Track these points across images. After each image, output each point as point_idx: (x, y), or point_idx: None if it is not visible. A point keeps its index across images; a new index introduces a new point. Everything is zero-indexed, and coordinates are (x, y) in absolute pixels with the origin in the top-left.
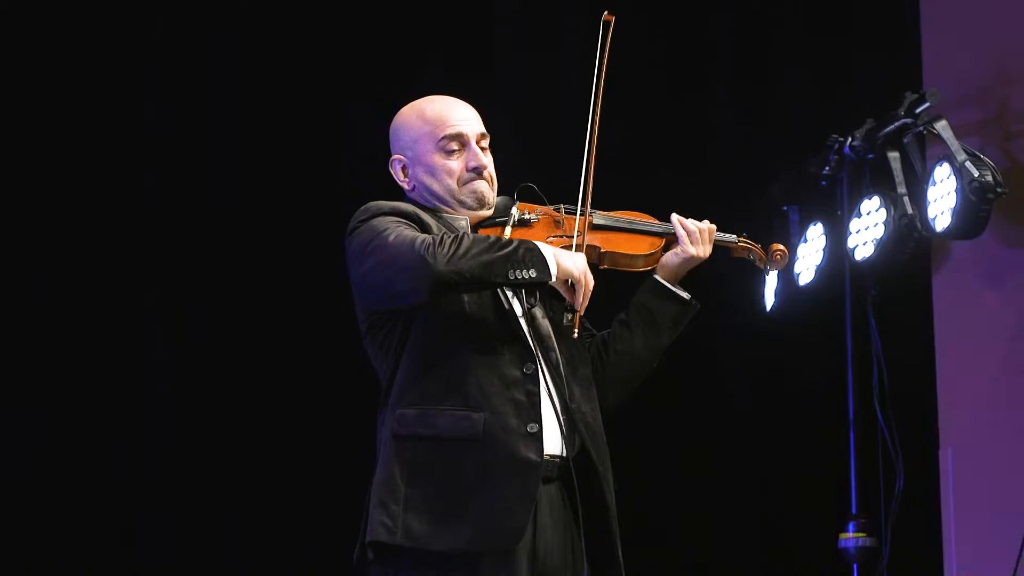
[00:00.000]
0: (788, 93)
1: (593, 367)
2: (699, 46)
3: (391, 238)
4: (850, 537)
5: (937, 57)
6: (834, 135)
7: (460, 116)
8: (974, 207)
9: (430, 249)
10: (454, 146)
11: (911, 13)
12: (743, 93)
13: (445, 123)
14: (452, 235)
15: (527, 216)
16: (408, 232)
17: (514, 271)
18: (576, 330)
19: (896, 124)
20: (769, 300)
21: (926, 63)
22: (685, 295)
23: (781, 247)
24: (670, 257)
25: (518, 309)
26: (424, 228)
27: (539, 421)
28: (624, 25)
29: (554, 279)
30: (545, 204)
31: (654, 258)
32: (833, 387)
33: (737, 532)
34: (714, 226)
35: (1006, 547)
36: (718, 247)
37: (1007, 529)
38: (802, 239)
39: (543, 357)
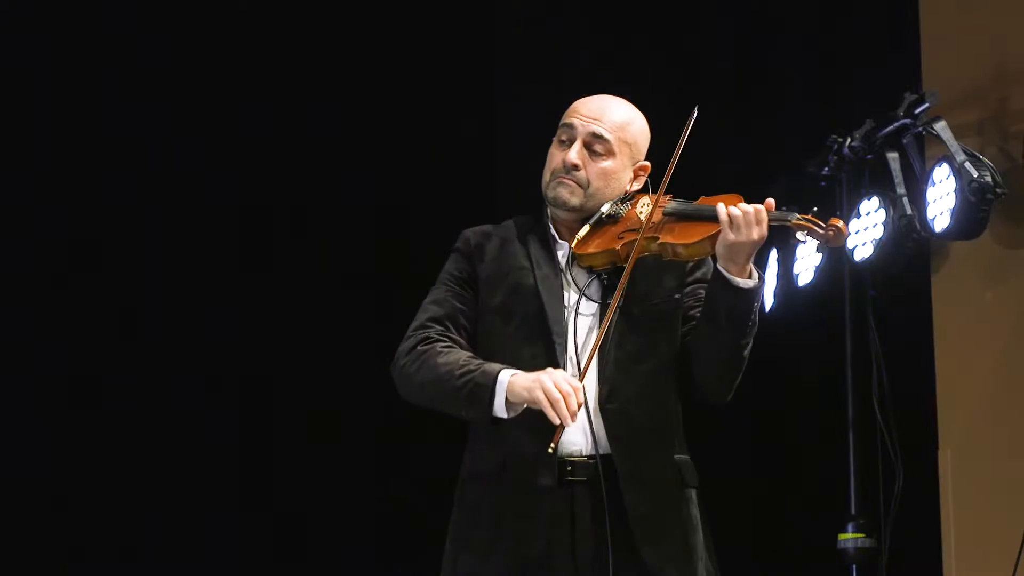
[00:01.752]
0: (787, 93)
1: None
2: (698, 46)
3: (419, 312)
4: (849, 538)
5: (936, 57)
6: (833, 136)
7: (585, 110)
8: (973, 208)
9: (401, 363)
10: (564, 136)
11: (910, 14)
12: (742, 93)
13: (570, 112)
14: (426, 349)
15: (614, 211)
16: (422, 315)
17: (462, 410)
18: (553, 446)
19: (895, 125)
20: (768, 301)
21: (925, 63)
22: (739, 281)
23: (838, 223)
24: (719, 242)
25: (570, 302)
26: (472, 266)
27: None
28: (622, 27)
29: (502, 415)
30: (648, 193)
31: (714, 242)
32: (832, 388)
33: (735, 532)
34: (762, 207)
35: (1005, 548)
36: (775, 227)
37: (1006, 530)
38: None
39: (581, 357)
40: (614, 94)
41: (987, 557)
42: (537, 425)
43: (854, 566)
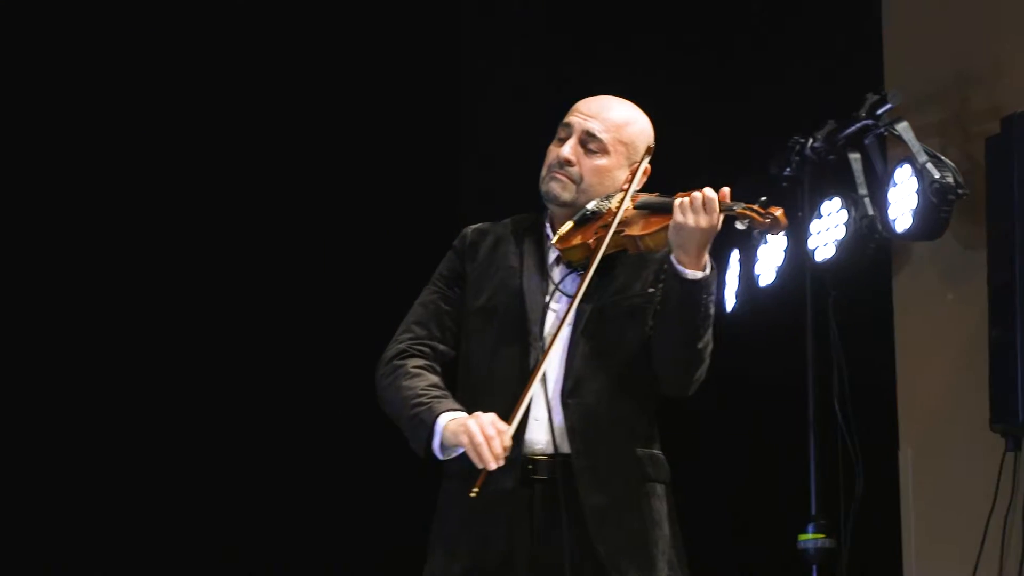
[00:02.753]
0: (749, 94)
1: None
2: (660, 48)
3: (408, 313)
4: (809, 538)
5: (898, 58)
6: (795, 136)
7: (584, 108)
8: (935, 208)
9: (379, 373)
10: (562, 134)
11: (873, 15)
12: (704, 95)
13: (571, 110)
14: (399, 364)
15: (598, 208)
16: (409, 318)
17: (410, 443)
18: (476, 490)
19: (857, 125)
20: (729, 301)
21: (887, 64)
22: (688, 272)
23: (776, 211)
24: (670, 229)
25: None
26: (463, 264)
27: (521, 434)
28: (587, 25)
29: (439, 456)
30: (627, 192)
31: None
32: (793, 388)
33: (696, 533)
34: (713, 196)
35: (966, 548)
36: (726, 217)
37: (967, 530)
38: (763, 240)
39: (547, 352)
40: (584, 92)
41: (948, 557)
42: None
43: (814, 567)
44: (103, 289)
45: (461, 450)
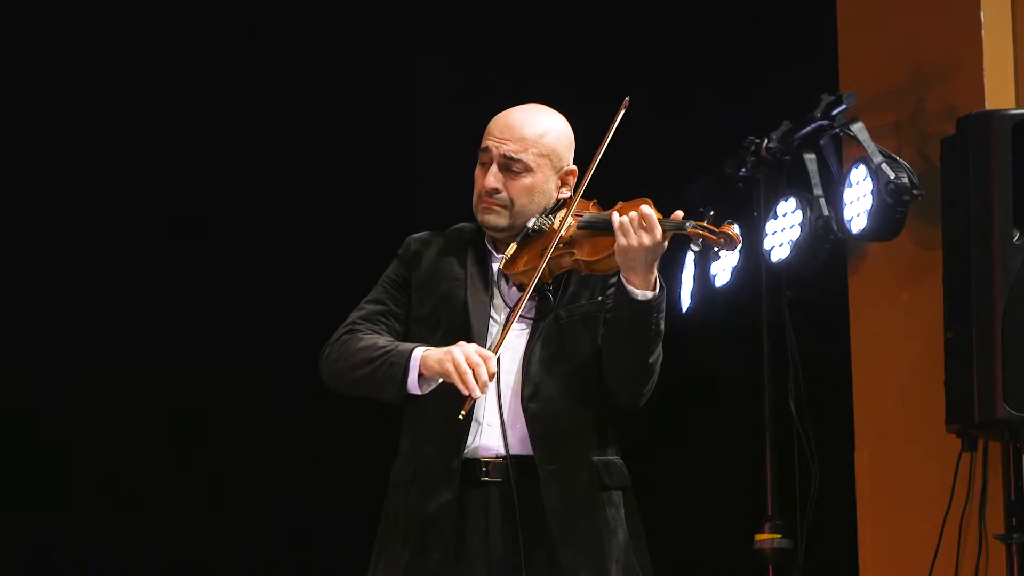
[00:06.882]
0: (705, 95)
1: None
2: (614, 47)
3: (354, 310)
4: (765, 538)
5: (853, 59)
6: (751, 137)
7: (497, 131)
8: (890, 209)
9: (327, 352)
10: (484, 159)
11: (828, 14)
12: (659, 95)
13: (486, 133)
14: (348, 337)
15: (539, 225)
16: (355, 313)
17: (379, 391)
18: (463, 413)
19: (812, 126)
20: (685, 302)
21: (842, 65)
22: (637, 293)
23: (729, 230)
24: (615, 250)
25: (499, 304)
26: (408, 272)
27: (472, 439)
28: (540, 28)
29: (416, 391)
30: (571, 203)
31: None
32: (749, 389)
33: (650, 533)
34: (652, 214)
35: (921, 549)
36: (674, 235)
37: (922, 531)
38: (716, 257)
39: (503, 374)
40: (531, 97)
41: (903, 558)
42: (446, 443)
43: (770, 567)
44: None
45: (440, 380)
